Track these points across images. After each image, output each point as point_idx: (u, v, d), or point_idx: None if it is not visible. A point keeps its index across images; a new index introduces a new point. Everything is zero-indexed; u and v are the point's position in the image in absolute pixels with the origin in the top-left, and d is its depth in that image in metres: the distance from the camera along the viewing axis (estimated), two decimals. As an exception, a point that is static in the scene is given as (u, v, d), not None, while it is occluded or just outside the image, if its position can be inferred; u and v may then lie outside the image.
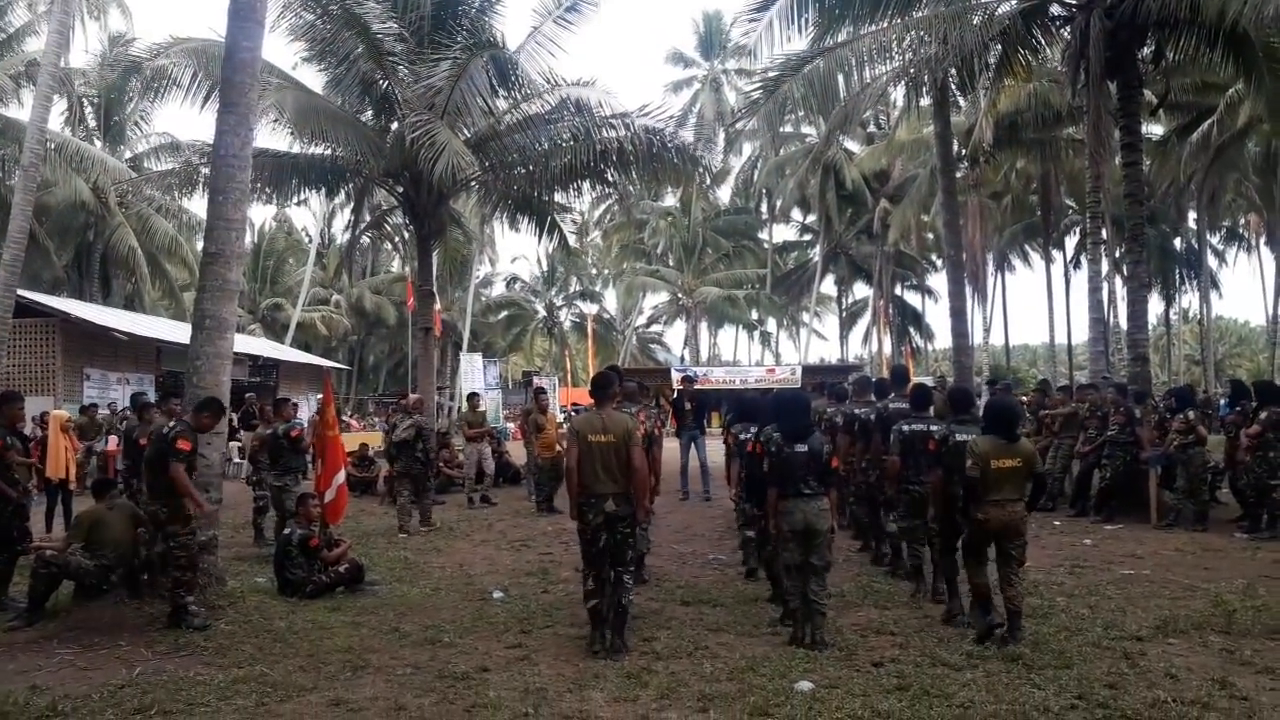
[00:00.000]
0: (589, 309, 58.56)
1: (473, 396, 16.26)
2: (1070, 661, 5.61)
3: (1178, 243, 39.92)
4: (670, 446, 11.63)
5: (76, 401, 18.71)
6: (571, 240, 23.64)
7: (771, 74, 15.84)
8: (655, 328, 63.27)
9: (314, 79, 17.15)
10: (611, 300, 62.94)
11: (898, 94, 19.75)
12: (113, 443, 16.99)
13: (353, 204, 20.99)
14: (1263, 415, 10.41)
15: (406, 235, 23.03)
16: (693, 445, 14.59)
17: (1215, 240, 42.63)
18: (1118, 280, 33.79)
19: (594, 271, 64.06)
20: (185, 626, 6.66)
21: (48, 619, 7.03)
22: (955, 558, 6.77)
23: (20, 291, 17.51)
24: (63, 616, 7.04)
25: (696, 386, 17.31)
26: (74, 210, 28.87)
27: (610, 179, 17.95)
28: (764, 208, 52.91)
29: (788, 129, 43.35)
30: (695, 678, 5.47)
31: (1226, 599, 7.05)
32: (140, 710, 5.02)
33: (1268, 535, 10.01)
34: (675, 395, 16.73)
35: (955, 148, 23.12)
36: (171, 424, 7.21)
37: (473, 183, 17.81)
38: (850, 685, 5.27)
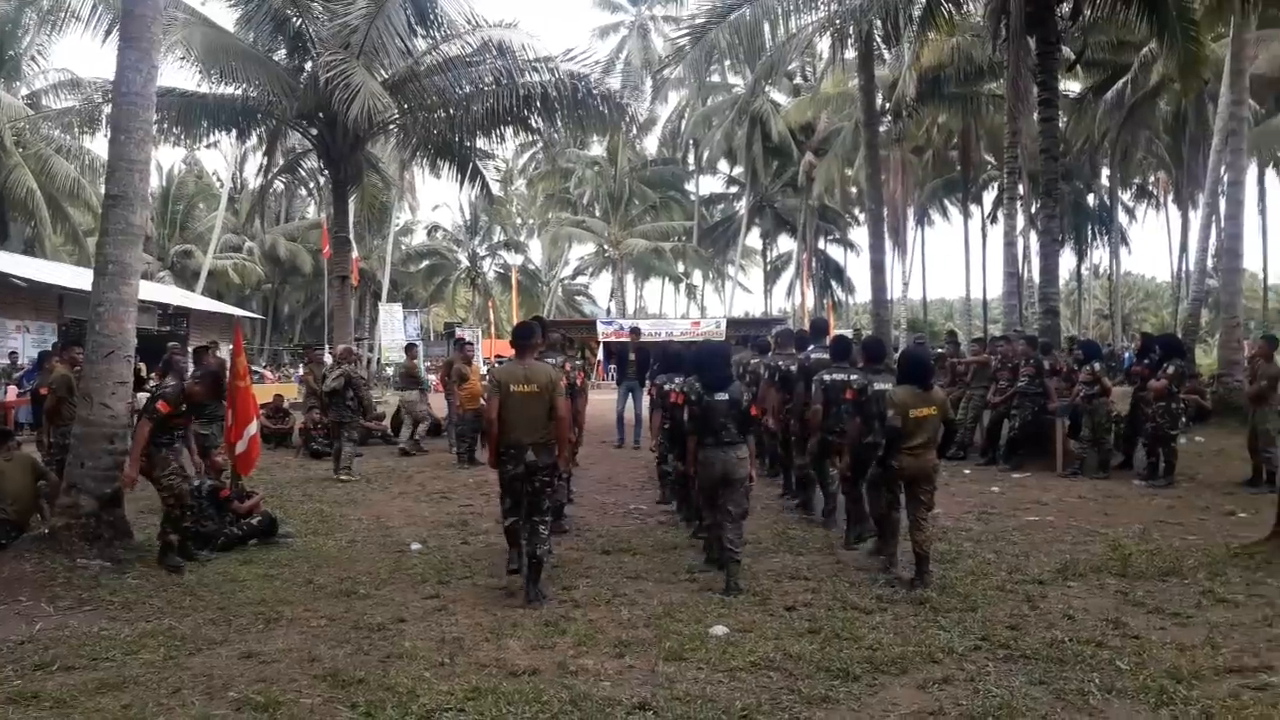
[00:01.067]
0: (513, 260, 58.08)
1: (410, 348, 16.11)
2: (975, 604, 5.81)
3: (1090, 199, 41.04)
4: (604, 399, 11.74)
5: (-28, 349, 17.89)
6: (495, 188, 23.39)
7: (698, 20, 15.76)
8: (581, 279, 63.07)
9: (224, 15, 16.52)
10: (536, 251, 62.48)
11: (824, 45, 19.87)
12: (11, 392, 16.34)
13: (265, 147, 20.33)
14: (1169, 369, 10.81)
15: (322, 180, 22.30)
16: (629, 395, 14.73)
17: (1126, 197, 43.97)
18: (1032, 235, 34.61)
19: (518, 221, 63.34)
20: (164, 565, 6.77)
21: (-58, 575, 6.74)
22: (859, 489, 7.17)
23: (-93, 234, 16.63)
24: (-42, 572, 6.76)
25: (621, 339, 17.40)
26: (-35, 150, 27.34)
27: (534, 125, 17.69)
28: (691, 159, 52.79)
29: (715, 78, 43.26)
30: (613, 624, 5.52)
31: (1123, 544, 7.37)
32: (41, 666, 4.86)
33: (1164, 483, 10.46)
34: (621, 347, 16.98)
35: (879, 101, 23.32)
36: (166, 382, 7.09)
37: (391, 126, 17.39)
38: (764, 629, 5.38)
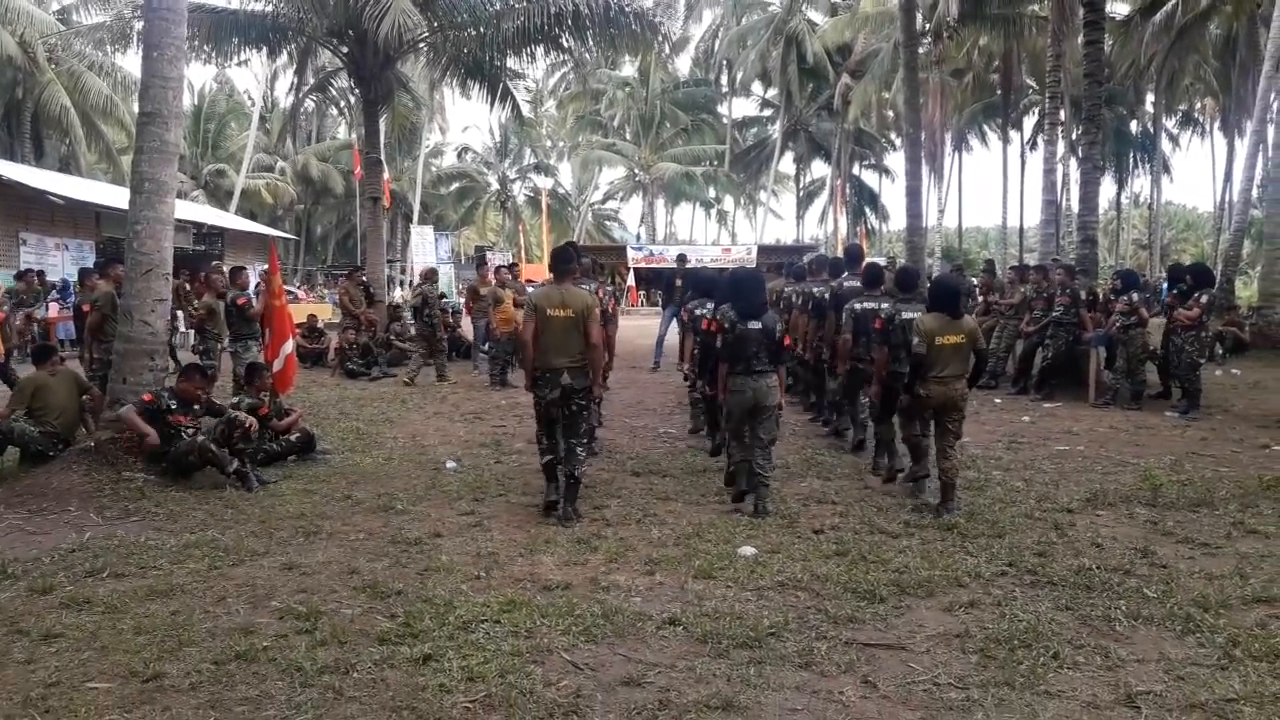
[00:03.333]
0: (544, 183, 57.53)
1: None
2: (1003, 531, 5.85)
3: (1134, 126, 39.98)
4: (633, 324, 11.67)
5: (13, 267, 18.14)
6: (525, 109, 23.13)
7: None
8: (611, 204, 62.66)
9: (253, -72, 16.22)
10: (566, 175, 61.95)
11: (864, -39, 19.21)
12: (54, 309, 16.63)
13: (296, 65, 20.17)
14: (1202, 299, 10.67)
15: (352, 100, 22.17)
16: (673, 320, 14.78)
17: (1170, 124, 42.80)
18: (1072, 163, 33.92)
19: (549, 144, 62.72)
20: (246, 486, 6.93)
21: (-7, 485, 6.97)
22: (892, 423, 7.10)
23: (-54, 151, 16.76)
24: (9, 482, 6.97)
25: (651, 265, 17.39)
26: (0, 66, 27.38)
27: (565, 44, 17.38)
28: (724, 80, 51.77)
29: (750, -4, 42.14)
30: (643, 543, 5.63)
31: (1154, 474, 7.33)
32: (92, 573, 5.05)
33: (1186, 412, 10.39)
34: (661, 273, 17.12)
35: (919, 22, 22.69)
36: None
37: (421, 44, 17.17)
38: (791, 550, 5.46)
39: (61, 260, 20.79)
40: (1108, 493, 6.83)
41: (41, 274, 17.44)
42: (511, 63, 18.52)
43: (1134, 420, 10.26)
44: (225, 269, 11.99)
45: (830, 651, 4.05)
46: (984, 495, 6.79)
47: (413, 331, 14.51)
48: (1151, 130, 38.35)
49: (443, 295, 15.39)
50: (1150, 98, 36.24)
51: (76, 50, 21.87)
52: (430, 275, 14.87)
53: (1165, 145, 41.99)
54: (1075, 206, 15.27)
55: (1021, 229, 42.26)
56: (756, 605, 4.59)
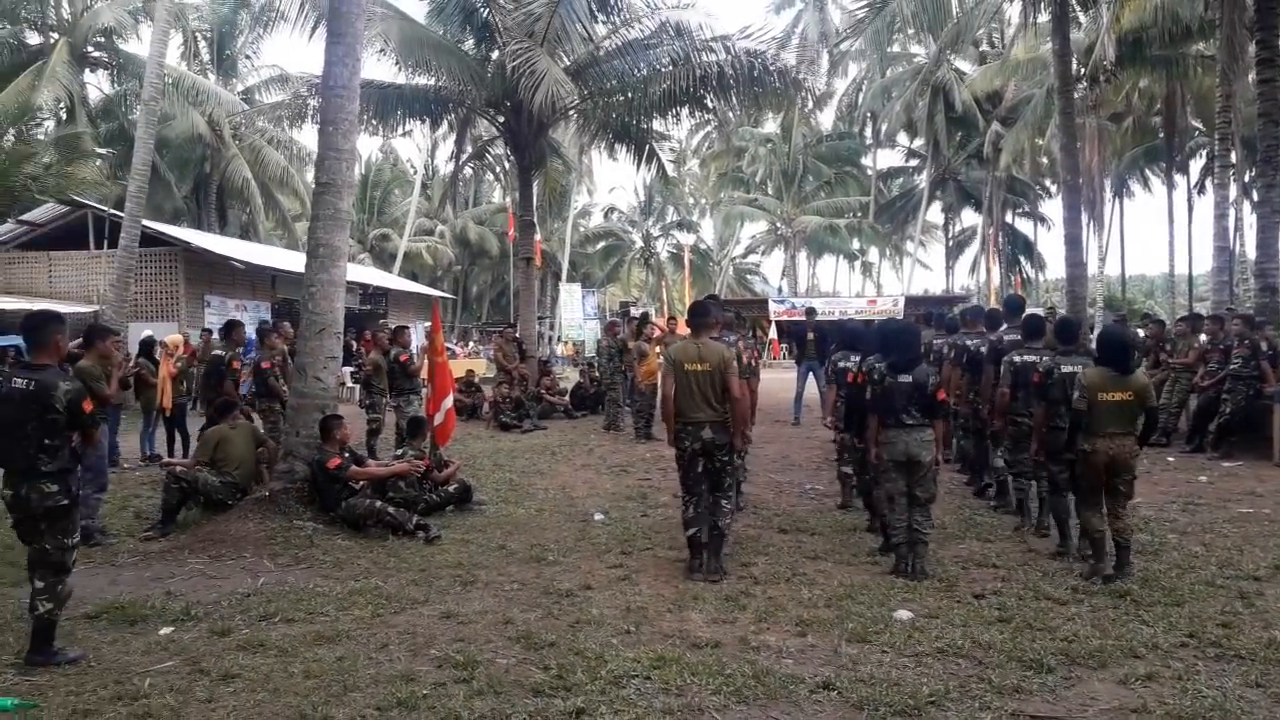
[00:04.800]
0: (686, 239, 58.20)
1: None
2: (1181, 599, 5.47)
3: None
4: (776, 378, 11.58)
5: (198, 327, 19.60)
6: (669, 169, 23.49)
7: (879, -8, 15.26)
8: (752, 258, 62.58)
9: (416, 8, 17.34)
10: (709, 230, 62.45)
11: (1014, 10, 18.90)
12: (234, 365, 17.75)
13: (455, 134, 21.21)
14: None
15: (508, 165, 23.23)
16: (809, 375, 14.68)
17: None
18: (1245, 207, 31.89)
19: (691, 201, 63.47)
20: (428, 538, 7.19)
21: (179, 531, 7.50)
22: (1066, 499, 6.63)
23: (145, 222, 18.35)
24: (192, 529, 7.48)
25: (793, 318, 17.29)
26: (191, 143, 29.93)
27: (709, 105, 17.66)
28: (868, 132, 51.31)
29: (895, 49, 41.71)
30: (793, 603, 5.53)
31: (1354, 540, 6.75)
32: (266, 617, 5.35)
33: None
34: (793, 326, 17.04)
35: (1074, 66, 21.98)
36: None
37: (572, 111, 17.78)
38: (950, 615, 5.25)
39: (244, 320, 22.31)
40: (1300, 560, 6.30)
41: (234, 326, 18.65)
42: (657, 125, 19.00)
43: (1327, 482, 9.45)
44: (390, 327, 12.61)
45: (994, 723, 3.87)
46: (1159, 560, 6.38)
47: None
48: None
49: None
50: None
51: (258, 127, 23.67)
52: (612, 329, 15.43)
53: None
54: (1251, 253, 14.31)
55: (1190, 277, 39.90)
56: (915, 672, 4.43)
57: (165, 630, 5.16)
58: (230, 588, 5.98)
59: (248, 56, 34.81)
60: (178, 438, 11.85)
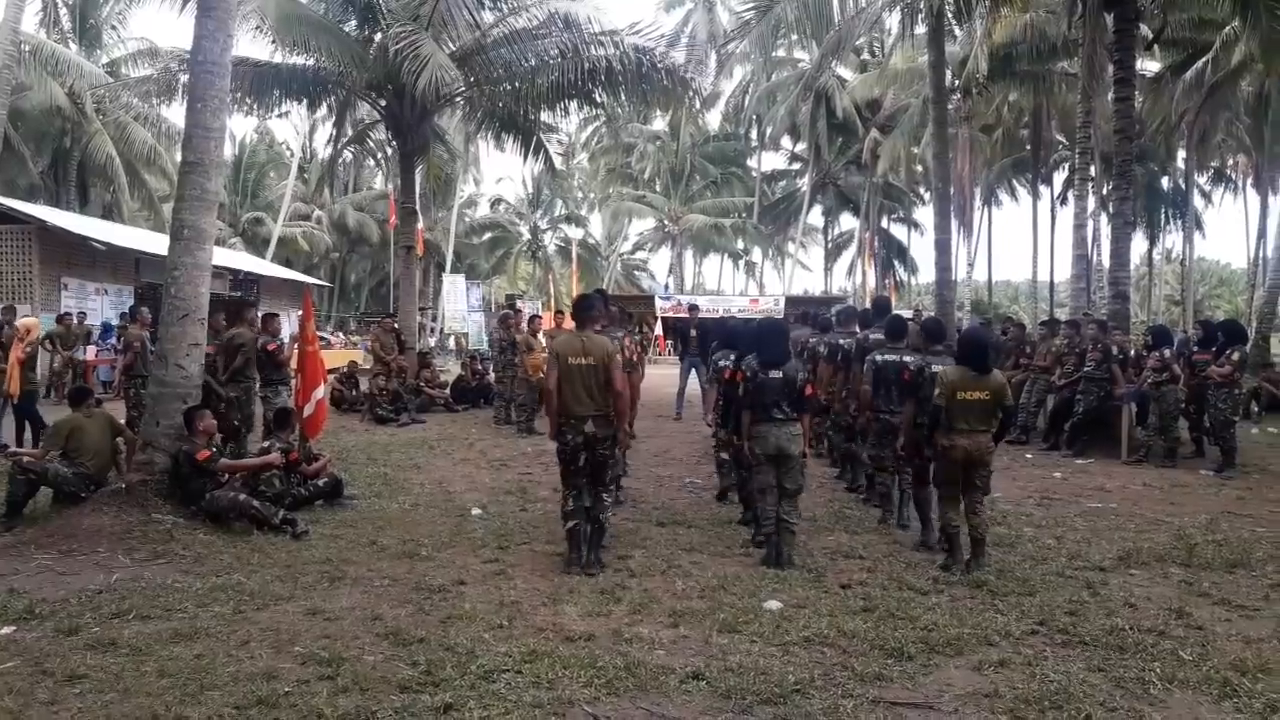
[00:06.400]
0: (574, 233, 58.12)
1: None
2: (1034, 589, 5.75)
3: (1165, 182, 39.80)
4: (661, 374, 11.72)
5: (54, 310, 18.49)
6: (557, 162, 23.41)
7: (766, -5, 15.53)
8: (640, 254, 63.07)
9: (296, -15, 16.66)
10: (597, 225, 62.57)
11: (893, 20, 19.46)
12: (91, 351, 16.89)
13: (335, 117, 20.63)
14: (1234, 355, 10.57)
15: (389, 151, 22.65)
16: (692, 370, 14.82)
17: (1203, 180, 42.56)
18: (1103, 218, 33.78)
19: (580, 195, 63.45)
20: (295, 533, 6.94)
21: (26, 525, 7.04)
22: (928, 491, 6.90)
23: (-5, 197, 17.21)
24: (41, 522, 7.05)
25: (679, 314, 17.49)
26: (49, 115, 28.17)
27: (598, 99, 17.68)
28: (754, 134, 52.25)
29: (780, 53, 42.62)
30: (667, 595, 5.58)
31: (1189, 533, 7.22)
32: (118, 615, 5.08)
33: (1221, 471, 10.23)
34: (677, 323, 17.15)
35: (949, 78, 22.84)
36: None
37: (457, 98, 17.52)
38: (818, 605, 5.39)
39: (101, 305, 21.14)
40: (1141, 551, 6.71)
41: (82, 317, 17.77)
42: (545, 116, 18.87)
43: (1168, 478, 10.10)
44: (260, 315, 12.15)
45: (856, 710, 3.98)
46: (1014, 552, 6.69)
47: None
48: (1183, 186, 38.15)
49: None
50: (1182, 154, 36.10)
51: (124, 102, 22.45)
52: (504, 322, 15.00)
53: (1198, 201, 41.74)
54: (1106, 262, 15.16)
55: (1052, 284, 41.97)
56: (782, 661, 4.53)
57: (6, 630, 4.85)
58: (81, 584, 5.66)
59: (114, 27, 32.85)
60: (27, 427, 11.14)
